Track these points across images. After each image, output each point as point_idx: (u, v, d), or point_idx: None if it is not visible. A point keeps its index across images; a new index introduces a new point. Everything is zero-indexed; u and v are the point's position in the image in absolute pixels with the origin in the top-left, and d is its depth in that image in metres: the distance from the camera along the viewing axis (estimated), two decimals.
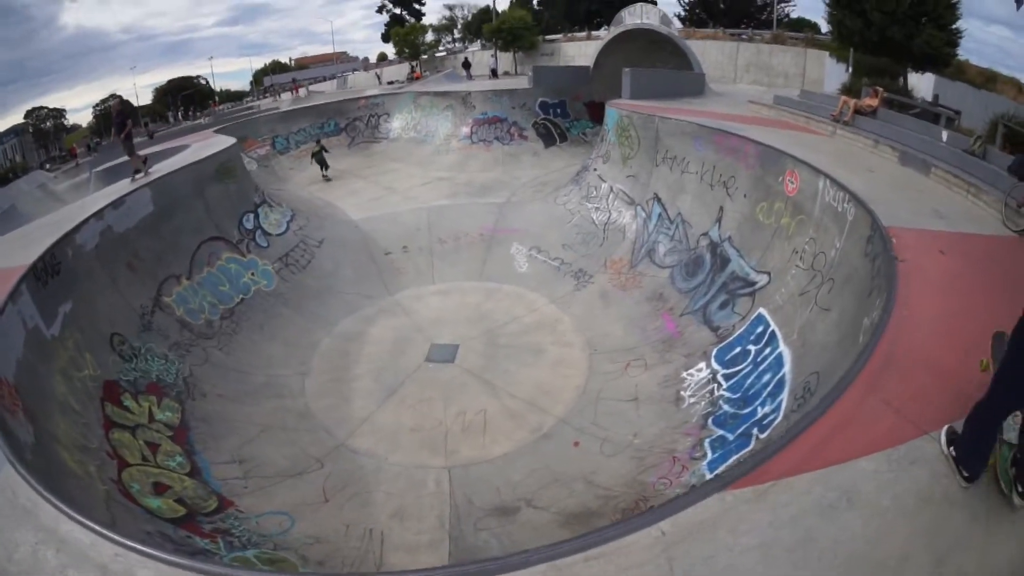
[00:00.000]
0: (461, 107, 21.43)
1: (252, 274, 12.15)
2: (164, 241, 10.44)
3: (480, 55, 35.55)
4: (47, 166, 35.15)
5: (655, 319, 10.38)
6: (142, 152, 13.24)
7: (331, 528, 6.51)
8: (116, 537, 3.60)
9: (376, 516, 6.86)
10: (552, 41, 35.16)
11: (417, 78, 32.27)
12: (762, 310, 8.34)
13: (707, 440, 7.07)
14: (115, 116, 13.44)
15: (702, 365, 8.53)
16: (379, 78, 36.33)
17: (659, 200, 12.49)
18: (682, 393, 8.29)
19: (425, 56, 40.71)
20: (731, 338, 8.51)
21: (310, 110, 23.74)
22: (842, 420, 3.89)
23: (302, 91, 35.03)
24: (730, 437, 6.78)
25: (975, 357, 4.31)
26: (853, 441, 3.68)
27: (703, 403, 7.93)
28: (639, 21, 18.50)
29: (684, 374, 8.58)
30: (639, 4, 19.38)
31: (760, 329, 8.04)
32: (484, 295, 12.62)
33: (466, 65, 34.01)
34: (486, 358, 10.26)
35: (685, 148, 12.15)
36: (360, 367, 10.45)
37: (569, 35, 34.93)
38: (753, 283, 9.14)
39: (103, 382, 6.87)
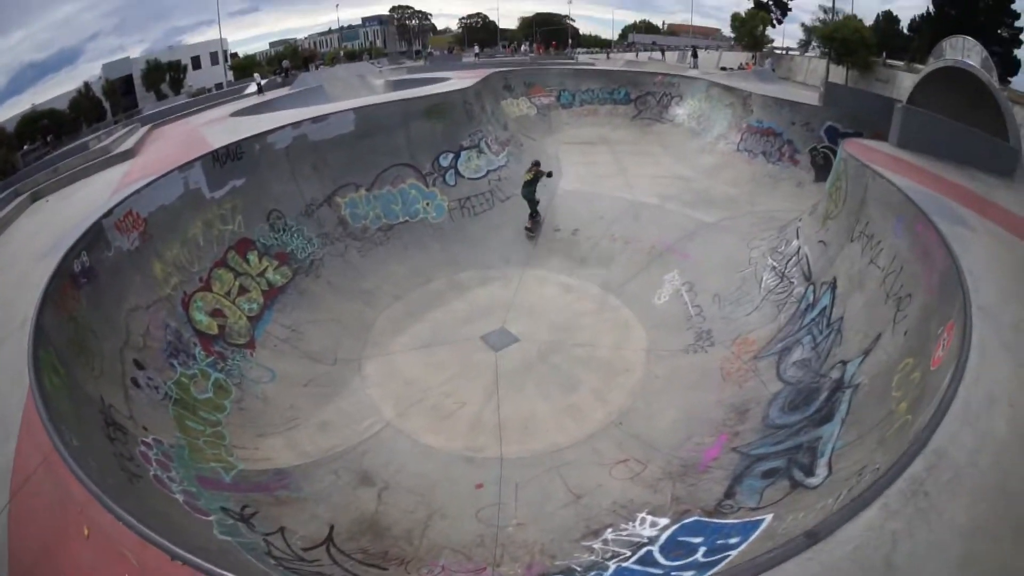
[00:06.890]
0: (740, 108, 18.74)
1: (427, 204, 14.74)
2: (355, 156, 13.39)
3: (817, 63, 31.03)
4: (374, 62, 39.75)
5: (711, 434, 7.91)
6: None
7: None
8: None
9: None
10: (891, 67, 28.19)
11: (748, 69, 29.94)
12: (766, 520, 5.09)
13: None
14: None
15: (658, 525, 6.13)
16: (719, 58, 34.68)
17: (834, 289, 9.21)
18: (606, 534, 6.32)
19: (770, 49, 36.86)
20: (705, 526, 5.72)
21: (604, 74, 24.31)
22: None
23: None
24: None
25: None
26: None
27: (589, 555, 6.03)
28: (959, 58, 13.28)
29: (641, 516, 6.51)
30: (962, 38, 13.73)
31: (729, 541, 4.88)
32: (596, 309, 12.11)
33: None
34: (524, 365, 10.27)
35: (885, 227, 8.79)
36: (435, 313, 11.89)
37: (911, 64, 27.10)
38: (811, 474, 5.83)
39: (241, 237, 10.51)
